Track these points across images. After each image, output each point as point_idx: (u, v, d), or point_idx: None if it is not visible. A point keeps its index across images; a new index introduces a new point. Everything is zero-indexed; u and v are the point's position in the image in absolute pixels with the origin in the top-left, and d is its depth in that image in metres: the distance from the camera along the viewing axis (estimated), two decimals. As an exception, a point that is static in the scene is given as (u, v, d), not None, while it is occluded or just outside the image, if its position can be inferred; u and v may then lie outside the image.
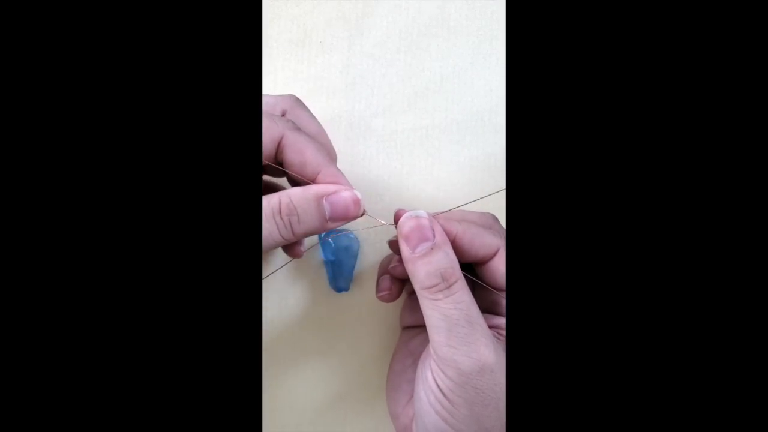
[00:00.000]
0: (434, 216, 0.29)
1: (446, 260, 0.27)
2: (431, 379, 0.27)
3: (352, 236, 0.36)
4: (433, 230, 0.28)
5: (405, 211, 0.29)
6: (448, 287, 0.27)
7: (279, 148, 0.28)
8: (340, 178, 0.28)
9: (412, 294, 0.35)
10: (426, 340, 0.32)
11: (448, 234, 0.29)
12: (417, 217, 0.28)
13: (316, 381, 0.37)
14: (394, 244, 0.31)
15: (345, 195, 0.27)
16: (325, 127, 0.33)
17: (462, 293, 0.27)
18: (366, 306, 0.37)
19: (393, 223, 0.30)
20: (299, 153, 0.28)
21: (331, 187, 0.27)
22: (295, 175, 0.28)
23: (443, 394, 0.26)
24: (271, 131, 0.28)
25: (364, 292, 0.37)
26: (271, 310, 0.37)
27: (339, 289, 0.36)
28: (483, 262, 0.30)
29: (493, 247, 0.29)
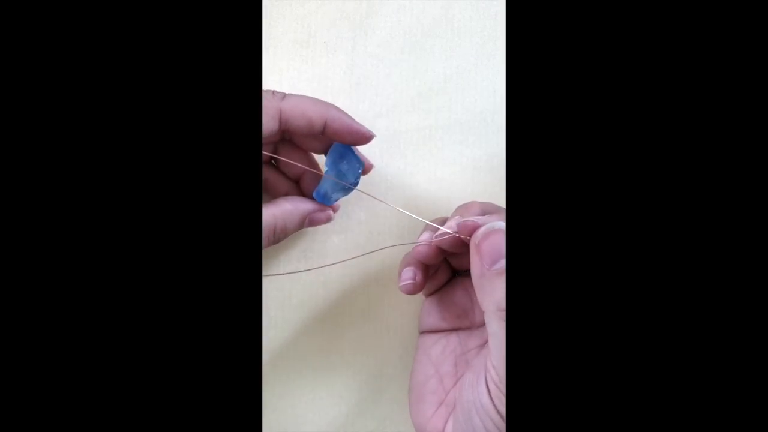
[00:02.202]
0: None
1: None
2: (490, 405, 0.25)
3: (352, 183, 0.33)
4: None
5: (469, 221, 0.28)
6: None
7: (281, 121, 0.30)
8: (345, 120, 0.31)
9: (432, 295, 0.33)
10: (448, 349, 0.32)
11: None
12: (498, 230, 0.26)
13: (319, 381, 0.37)
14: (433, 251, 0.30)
15: (321, 216, 0.33)
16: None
17: None
18: (371, 306, 0.37)
19: (457, 233, 0.28)
20: (302, 116, 0.30)
21: (314, 207, 0.32)
22: (296, 163, 0.32)
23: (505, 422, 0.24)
24: (269, 109, 0.29)
25: (369, 292, 0.37)
26: (273, 309, 0.37)
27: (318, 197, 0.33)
28: None
29: None
